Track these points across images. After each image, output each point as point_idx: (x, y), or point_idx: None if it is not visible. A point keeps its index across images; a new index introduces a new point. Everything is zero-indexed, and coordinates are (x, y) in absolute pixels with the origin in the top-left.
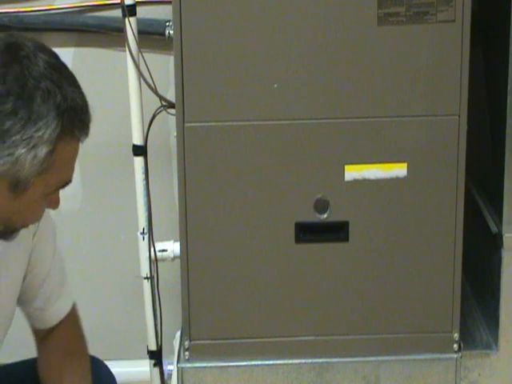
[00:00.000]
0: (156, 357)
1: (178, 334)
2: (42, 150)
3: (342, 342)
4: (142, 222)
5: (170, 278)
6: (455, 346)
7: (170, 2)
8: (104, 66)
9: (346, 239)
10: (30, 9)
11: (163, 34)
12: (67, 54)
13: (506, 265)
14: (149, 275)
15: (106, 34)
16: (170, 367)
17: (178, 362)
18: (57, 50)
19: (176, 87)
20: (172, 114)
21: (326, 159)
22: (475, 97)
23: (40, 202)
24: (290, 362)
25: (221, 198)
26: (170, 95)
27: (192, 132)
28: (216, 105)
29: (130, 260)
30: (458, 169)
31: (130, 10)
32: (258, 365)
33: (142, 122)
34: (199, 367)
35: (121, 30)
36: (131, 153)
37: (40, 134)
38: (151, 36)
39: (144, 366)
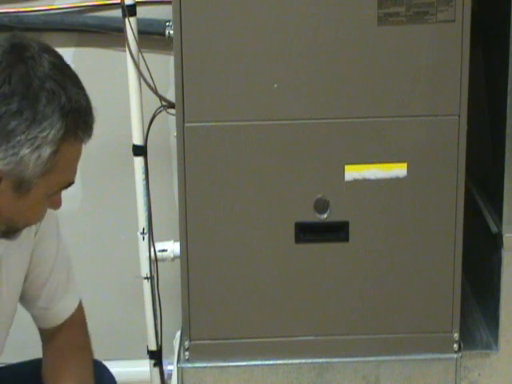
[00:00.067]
0: (156, 357)
1: (178, 334)
2: (46, 151)
3: (341, 341)
4: (142, 222)
5: (170, 278)
6: (455, 345)
7: (169, 2)
8: (104, 66)
9: (346, 239)
10: (30, 9)
11: (163, 34)
12: (67, 54)
13: (506, 265)
14: (149, 275)
15: (106, 33)
16: (170, 367)
17: (178, 361)
18: (57, 50)
19: (176, 87)
20: (172, 114)
21: (326, 159)
22: (475, 97)
23: (42, 203)
24: (290, 362)
25: (221, 198)
26: (170, 95)
27: (192, 132)
28: (216, 105)
29: (130, 260)
30: (457, 169)
31: (130, 10)
32: (257, 365)
33: (142, 122)
34: (199, 367)
35: (121, 30)
36: (131, 153)
37: (44, 134)
38: (151, 36)
39: (144, 366)
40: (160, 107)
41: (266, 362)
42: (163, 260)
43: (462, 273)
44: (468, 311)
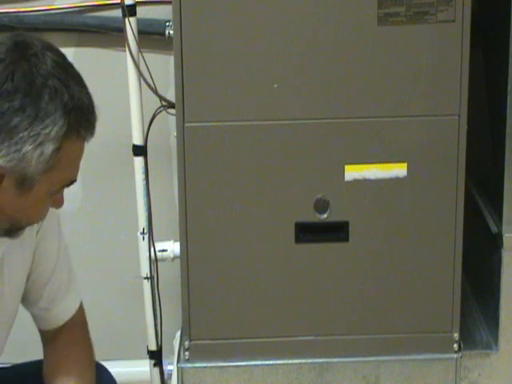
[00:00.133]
0: (156, 357)
1: (178, 334)
2: (49, 148)
3: (341, 342)
4: (142, 222)
5: (170, 278)
6: (455, 345)
7: (169, 2)
8: (104, 65)
9: (346, 239)
10: (30, 9)
11: (163, 34)
12: (67, 54)
13: (506, 265)
14: (149, 275)
15: (106, 33)
16: (170, 367)
17: (178, 361)
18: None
19: (176, 87)
20: (172, 114)
21: (326, 159)
22: (475, 97)
23: (45, 201)
24: (290, 362)
25: (221, 198)
26: (170, 95)
27: (192, 132)
28: (216, 105)
29: (130, 260)
30: (457, 169)
31: (130, 10)
32: (257, 365)
33: (142, 122)
34: (199, 367)
35: (121, 30)
36: (131, 153)
37: (47, 131)
38: (151, 36)
39: (144, 366)
40: (160, 107)
41: (266, 362)
42: (163, 260)
43: (462, 273)
44: (468, 311)
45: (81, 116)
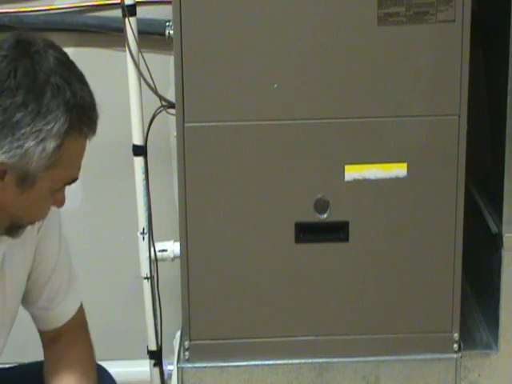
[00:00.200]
0: (156, 357)
1: (178, 334)
2: (51, 144)
3: (341, 342)
4: (142, 222)
5: (170, 278)
6: (455, 346)
7: (169, 2)
8: (104, 65)
9: (346, 239)
10: (30, 9)
11: (163, 34)
12: None
13: (506, 265)
14: (149, 275)
15: (106, 33)
16: (170, 367)
17: (178, 361)
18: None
19: (176, 87)
20: (172, 114)
21: (326, 159)
22: (475, 97)
23: (46, 199)
24: (290, 362)
25: (221, 198)
26: (170, 95)
27: (192, 132)
28: (216, 105)
29: (130, 260)
30: (457, 169)
31: (130, 10)
32: (257, 365)
33: (142, 122)
34: (199, 367)
35: (121, 30)
36: (131, 153)
37: (49, 127)
38: (151, 36)
39: (144, 366)
40: (160, 107)
41: (266, 362)
42: (163, 260)
43: (462, 273)
44: (468, 311)
45: (83, 113)
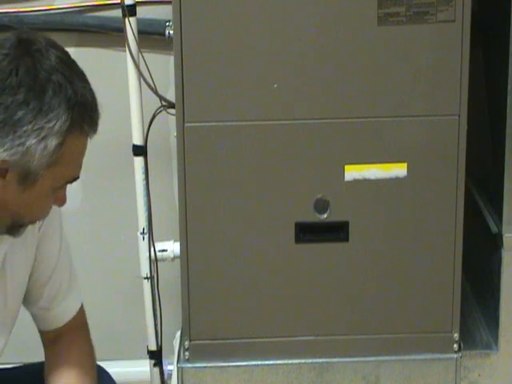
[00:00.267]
0: (156, 357)
1: (178, 334)
2: (52, 142)
3: (341, 342)
4: (142, 222)
5: (170, 278)
6: (455, 346)
7: (169, 2)
8: (104, 65)
9: (346, 239)
10: (30, 9)
11: (163, 34)
12: None
13: (506, 265)
14: (149, 275)
15: (106, 33)
16: (170, 367)
17: (178, 361)
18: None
19: (176, 87)
20: (172, 114)
21: (326, 159)
22: (475, 97)
23: (48, 197)
24: (290, 362)
25: (221, 198)
26: (170, 95)
27: (192, 132)
28: (216, 105)
29: (130, 260)
30: (457, 169)
31: (130, 10)
32: (257, 365)
33: (142, 122)
34: (199, 367)
35: (121, 30)
36: (131, 153)
37: (51, 125)
38: (151, 36)
39: (144, 366)
40: (160, 107)
41: (266, 362)
42: (163, 260)
43: (462, 273)
44: (468, 311)
45: (84, 112)
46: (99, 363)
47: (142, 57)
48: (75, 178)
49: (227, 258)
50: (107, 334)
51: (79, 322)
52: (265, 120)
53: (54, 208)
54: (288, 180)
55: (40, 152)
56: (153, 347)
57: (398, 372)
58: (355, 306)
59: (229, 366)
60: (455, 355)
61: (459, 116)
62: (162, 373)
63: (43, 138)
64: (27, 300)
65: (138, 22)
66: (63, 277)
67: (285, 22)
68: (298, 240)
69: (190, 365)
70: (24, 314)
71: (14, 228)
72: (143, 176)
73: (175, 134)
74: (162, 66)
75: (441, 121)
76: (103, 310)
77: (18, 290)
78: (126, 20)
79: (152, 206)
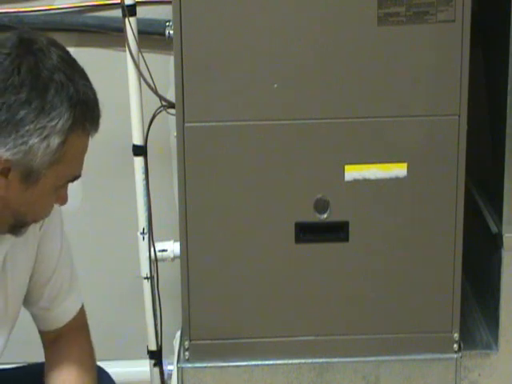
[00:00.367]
0: (156, 357)
1: (178, 334)
2: (55, 140)
3: (341, 342)
4: (142, 222)
5: (170, 278)
6: (455, 346)
7: (169, 2)
8: (104, 65)
9: (346, 239)
10: (30, 9)
11: (163, 34)
12: None
13: (506, 265)
14: (149, 275)
15: (106, 33)
16: (170, 367)
17: (178, 361)
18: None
19: (176, 87)
20: (172, 114)
21: (326, 159)
22: (475, 97)
23: (50, 196)
24: (290, 362)
25: (221, 198)
26: (170, 95)
27: (192, 132)
28: (216, 105)
29: (130, 260)
30: (457, 169)
31: (130, 10)
32: (257, 365)
33: (142, 122)
34: (199, 367)
35: (121, 30)
36: (131, 153)
37: (53, 124)
38: (151, 36)
39: (144, 366)
40: (160, 107)
41: (266, 362)
42: (163, 260)
43: (462, 273)
44: (468, 311)
45: (86, 110)
46: (99, 364)
47: (142, 57)
48: (77, 177)
49: (227, 258)
50: (107, 334)
51: (79, 323)
52: (265, 120)
53: (55, 207)
54: (288, 180)
55: (42, 151)
56: (153, 347)
57: (398, 372)
58: (355, 306)
59: (229, 366)
60: (455, 355)
61: (459, 116)
62: (162, 373)
63: (46, 137)
64: (28, 300)
65: (138, 21)
66: (64, 276)
67: (285, 22)
68: (298, 240)
69: (189, 365)
70: (24, 314)
71: (17, 227)
72: (143, 176)
73: (175, 133)
74: (162, 66)
75: (441, 121)
76: (103, 310)
77: (19, 290)
78: (126, 20)
79: (152, 206)
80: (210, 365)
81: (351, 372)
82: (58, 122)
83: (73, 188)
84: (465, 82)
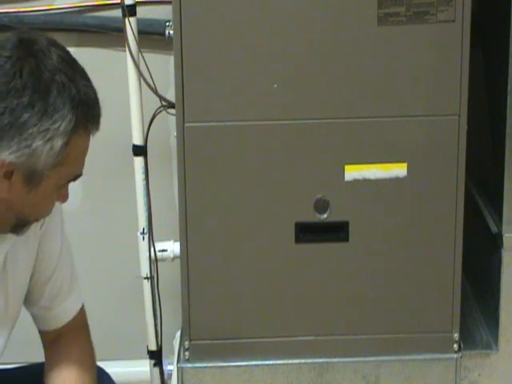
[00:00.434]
0: (156, 357)
1: (178, 334)
2: (58, 142)
3: (341, 342)
4: (142, 222)
5: (170, 278)
6: (455, 346)
7: (169, 2)
8: (104, 65)
9: (346, 239)
10: (30, 9)
11: (163, 34)
12: None
13: (506, 265)
14: (149, 275)
15: (106, 33)
16: (170, 367)
17: (178, 361)
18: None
19: (176, 87)
20: (172, 114)
21: (326, 159)
22: (475, 97)
23: (52, 195)
24: (290, 362)
25: (221, 198)
26: (170, 95)
27: (192, 132)
28: (216, 105)
29: (130, 260)
30: (457, 169)
31: (130, 10)
32: (257, 365)
33: (142, 122)
34: (199, 367)
35: (121, 30)
36: (131, 153)
37: (56, 126)
38: (151, 36)
39: (144, 366)
40: (160, 107)
41: (266, 362)
42: (163, 260)
43: (462, 273)
44: (468, 311)
45: (87, 110)
46: (99, 364)
47: (142, 57)
48: (78, 176)
49: (227, 258)
50: (107, 334)
51: (80, 323)
52: (265, 120)
53: (56, 206)
54: (288, 180)
55: (46, 153)
56: (153, 347)
57: (398, 372)
58: (355, 306)
59: (229, 366)
60: (455, 355)
61: (459, 116)
62: (162, 373)
63: (49, 139)
64: (28, 300)
65: (138, 21)
66: (64, 276)
67: (285, 22)
68: (298, 240)
69: (190, 365)
70: (24, 314)
71: (19, 226)
72: (143, 176)
73: (175, 133)
74: (162, 66)
75: (441, 121)
76: (103, 310)
77: (20, 289)
78: (126, 20)
79: (152, 206)
80: (209, 365)
81: (351, 372)
82: (60, 124)
83: (73, 188)
84: (465, 82)
